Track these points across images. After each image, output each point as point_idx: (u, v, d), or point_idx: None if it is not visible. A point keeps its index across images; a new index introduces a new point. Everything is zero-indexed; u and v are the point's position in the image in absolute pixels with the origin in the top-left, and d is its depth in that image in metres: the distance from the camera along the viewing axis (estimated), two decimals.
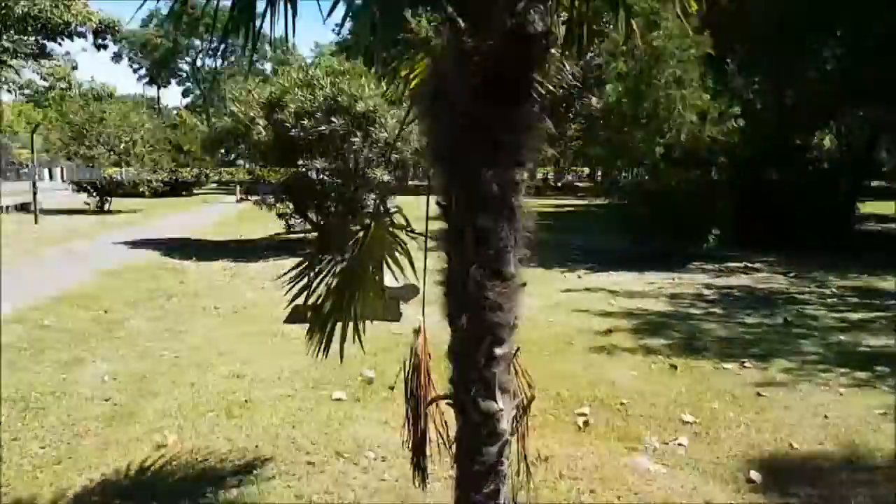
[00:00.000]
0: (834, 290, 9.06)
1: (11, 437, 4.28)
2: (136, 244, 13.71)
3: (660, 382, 5.44)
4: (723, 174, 10.89)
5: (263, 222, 17.09)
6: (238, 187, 25.74)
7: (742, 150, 11.17)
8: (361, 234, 3.27)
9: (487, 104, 2.44)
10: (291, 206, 13.74)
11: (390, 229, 3.32)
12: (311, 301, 3.20)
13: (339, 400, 4.93)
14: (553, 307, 7.99)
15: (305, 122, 11.95)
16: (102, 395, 5.04)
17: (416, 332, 2.98)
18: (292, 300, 3.11)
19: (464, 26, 2.39)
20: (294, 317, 7.46)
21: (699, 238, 11.31)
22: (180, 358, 5.95)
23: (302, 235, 14.13)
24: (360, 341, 3.36)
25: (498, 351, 2.61)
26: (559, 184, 36.92)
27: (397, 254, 3.30)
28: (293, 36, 2.49)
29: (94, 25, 11.67)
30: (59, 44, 12.18)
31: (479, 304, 2.55)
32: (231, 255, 12.45)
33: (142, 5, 2.47)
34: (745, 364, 5.78)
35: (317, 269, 3.21)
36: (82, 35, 11.78)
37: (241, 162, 13.79)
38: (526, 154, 2.54)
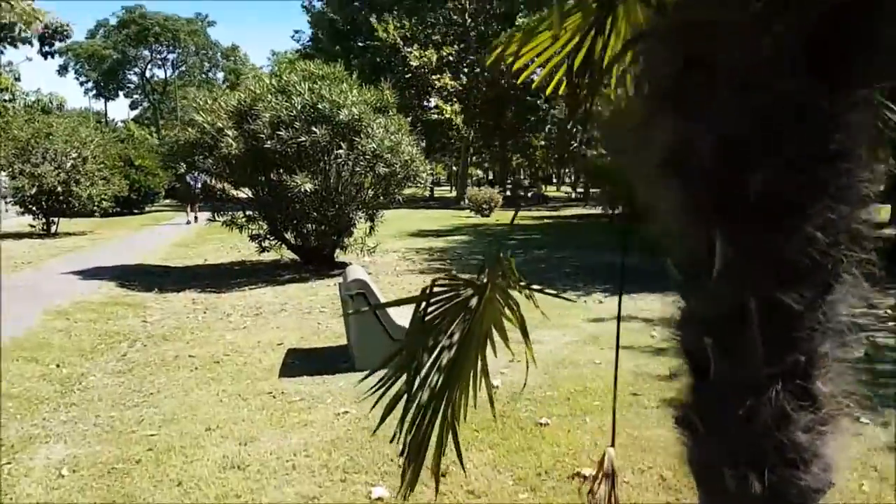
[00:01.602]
0: (889, 311, 8.13)
1: None
2: (87, 273, 12.20)
3: None
4: None
5: (229, 243, 15.72)
6: (189, 206, 23.89)
7: None
8: (475, 299, 2.16)
9: (804, 86, 1.31)
10: (265, 225, 12.42)
11: (506, 289, 2.24)
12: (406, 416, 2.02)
13: (380, 500, 3.70)
14: (591, 343, 6.88)
15: (282, 132, 10.69)
16: (60, 501, 3.74)
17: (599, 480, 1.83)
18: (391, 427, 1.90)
19: None
20: (291, 368, 6.21)
21: None
22: (157, 437, 4.64)
23: (278, 258, 12.81)
24: (460, 458, 2.23)
25: None
26: (528, 194, 36.08)
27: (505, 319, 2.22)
28: None
29: (41, 29, 10.14)
30: (1, 52, 10.63)
31: (777, 449, 1.41)
32: (198, 285, 11.05)
33: None
34: (861, 419, 4.71)
35: (416, 368, 2.04)
36: (27, 41, 10.24)
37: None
38: (864, 173, 1.40)
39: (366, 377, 2.05)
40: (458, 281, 2.14)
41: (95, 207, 20.58)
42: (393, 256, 13.96)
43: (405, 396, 2.04)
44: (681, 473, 4.01)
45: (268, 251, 12.67)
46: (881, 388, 5.38)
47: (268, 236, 12.49)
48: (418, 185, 13.16)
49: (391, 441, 1.90)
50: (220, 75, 64.67)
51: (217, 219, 12.41)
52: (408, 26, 32.25)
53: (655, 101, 1.42)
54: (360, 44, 34.94)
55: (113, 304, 9.55)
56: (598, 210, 22.96)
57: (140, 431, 4.76)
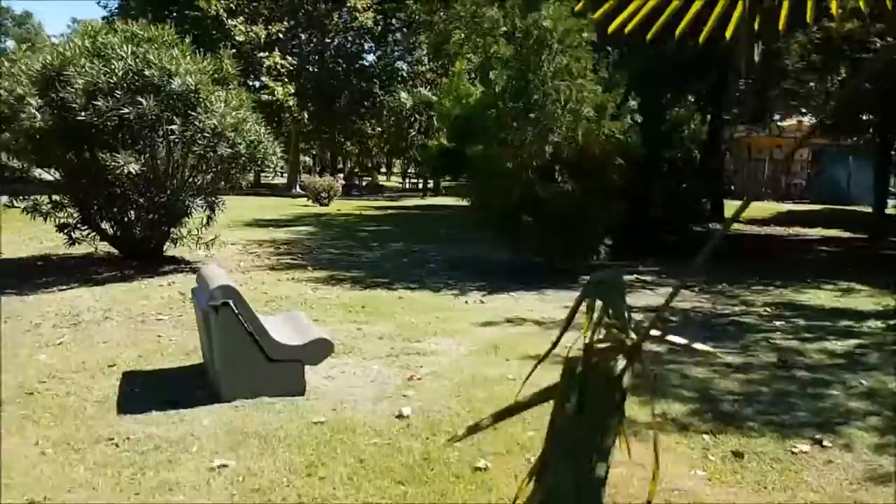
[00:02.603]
0: (768, 309, 8.11)
1: None
2: None
3: (751, 489, 3.71)
4: (618, 177, 9.67)
5: (28, 233, 13.33)
6: None
7: (636, 151, 9.99)
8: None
9: None
10: (77, 213, 10.47)
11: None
12: None
13: None
14: (491, 353, 6.08)
15: (100, 102, 8.94)
16: None
17: None
18: None
19: None
20: (134, 401, 4.84)
21: (591, 249, 10.00)
22: None
23: (92, 251, 10.87)
24: None
25: None
26: (364, 183, 35.05)
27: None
28: None
29: None
30: None
31: None
32: None
33: None
34: (823, 442, 4.27)
35: None
36: None
37: None
38: None
39: None
40: (613, 339, 1.19)
41: None
42: (232, 249, 12.40)
43: None
44: None
45: (79, 243, 10.71)
46: (818, 401, 5.04)
47: (79, 226, 10.56)
48: (267, 168, 11.78)
49: None
50: (11, 44, 57.40)
51: (16, 204, 10.28)
52: None
53: None
54: (175, 14, 31.73)
55: None
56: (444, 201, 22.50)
57: None
